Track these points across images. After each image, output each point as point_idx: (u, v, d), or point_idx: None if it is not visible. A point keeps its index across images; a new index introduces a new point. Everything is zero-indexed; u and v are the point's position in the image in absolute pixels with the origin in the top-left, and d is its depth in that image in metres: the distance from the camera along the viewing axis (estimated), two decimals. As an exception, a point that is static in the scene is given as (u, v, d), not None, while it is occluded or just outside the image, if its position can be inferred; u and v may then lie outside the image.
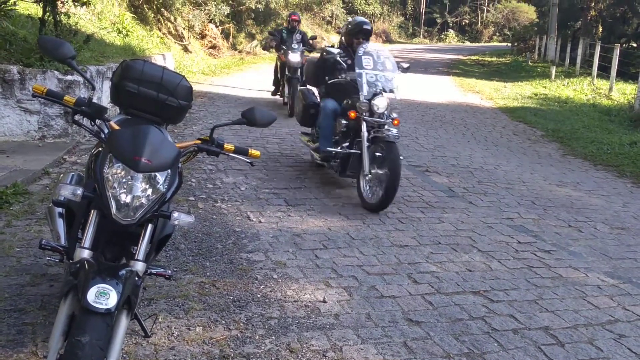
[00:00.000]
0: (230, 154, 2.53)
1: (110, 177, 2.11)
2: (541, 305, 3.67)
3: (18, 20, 7.60)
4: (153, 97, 2.86)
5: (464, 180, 6.55)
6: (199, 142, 2.50)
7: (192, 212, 4.77)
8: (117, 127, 2.31)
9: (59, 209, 2.73)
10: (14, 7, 7.00)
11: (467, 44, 47.01)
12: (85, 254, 2.12)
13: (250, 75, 15.28)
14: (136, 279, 2.11)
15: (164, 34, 15.46)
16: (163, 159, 2.15)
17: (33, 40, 6.93)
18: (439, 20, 49.76)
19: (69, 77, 6.46)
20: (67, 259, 2.34)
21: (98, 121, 2.34)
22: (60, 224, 2.71)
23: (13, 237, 3.97)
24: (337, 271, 3.89)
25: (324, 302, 3.45)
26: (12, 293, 3.18)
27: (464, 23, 51.33)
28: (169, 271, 2.45)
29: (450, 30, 49.65)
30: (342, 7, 34.08)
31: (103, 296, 1.92)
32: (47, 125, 6.40)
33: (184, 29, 16.69)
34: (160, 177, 2.17)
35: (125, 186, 2.11)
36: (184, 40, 16.40)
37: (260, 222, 4.70)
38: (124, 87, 2.88)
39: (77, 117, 2.33)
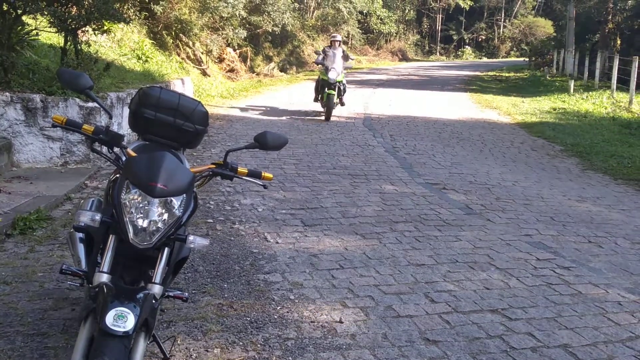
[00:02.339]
0: (244, 177, 2.59)
1: (127, 203, 2.18)
2: (560, 323, 3.64)
3: (41, 49, 7.83)
4: (170, 123, 2.94)
5: (481, 197, 6.53)
6: (214, 166, 2.57)
7: (210, 234, 4.84)
8: (133, 154, 2.39)
9: (80, 234, 2.80)
10: (36, 37, 7.23)
11: (484, 59, 46.96)
12: (104, 278, 2.18)
13: (268, 97, 15.45)
14: (153, 301, 2.16)
15: (182, 58, 15.74)
16: (178, 184, 2.21)
17: (55, 69, 7.13)
18: (455, 37, 49.84)
19: (90, 105, 6.62)
20: (87, 283, 2.40)
21: (115, 148, 2.41)
22: (81, 249, 2.78)
23: (36, 262, 4.06)
24: (353, 291, 3.91)
25: (341, 322, 3.46)
26: (35, 317, 3.25)
27: (480, 39, 51.34)
28: (186, 294, 2.49)
29: (466, 46, 49.68)
30: (358, 28, 34.35)
31: (121, 319, 1.97)
32: (69, 152, 6.56)
33: (202, 53, 16.97)
34: (176, 202, 2.23)
35: (142, 211, 2.17)
36: (202, 65, 16.67)
37: (277, 243, 4.74)
38: (141, 114, 2.97)
39: (95, 145, 2.42)
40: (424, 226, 5.39)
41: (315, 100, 12.49)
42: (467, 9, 46.01)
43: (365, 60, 35.72)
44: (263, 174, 2.61)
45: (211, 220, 5.17)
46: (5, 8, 6.38)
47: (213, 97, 14.54)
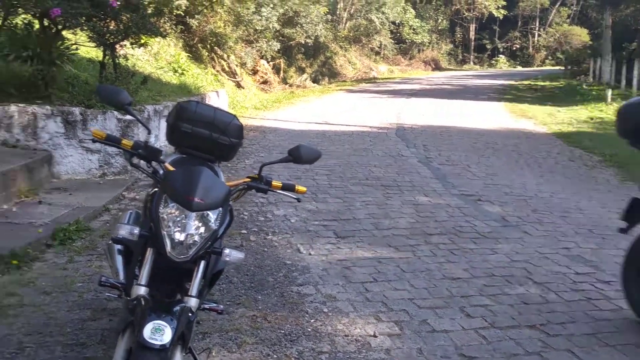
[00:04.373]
0: (278, 191, 2.60)
1: (165, 217, 2.21)
2: (600, 339, 3.53)
3: (80, 63, 8.05)
4: (206, 136, 2.98)
5: (517, 209, 6.42)
6: (249, 180, 2.59)
7: (244, 244, 4.87)
8: (171, 168, 2.43)
9: (118, 246, 2.85)
10: (76, 52, 7.43)
11: (519, 68, 46.33)
12: (142, 290, 2.21)
13: (300, 109, 15.55)
14: (190, 314, 2.18)
15: (217, 71, 15.98)
16: (214, 198, 2.23)
17: (94, 83, 7.31)
18: (488, 46, 49.35)
19: (127, 117, 6.76)
20: (125, 295, 2.44)
21: (154, 163, 2.46)
22: (119, 261, 2.83)
23: (75, 272, 4.14)
24: (387, 305, 3.87)
25: (375, 336, 3.43)
26: (74, 327, 3.31)
27: (514, 48, 50.70)
28: (222, 306, 2.51)
29: (500, 55, 49.11)
30: (390, 38, 34.33)
31: (158, 332, 1.99)
32: (107, 164, 6.70)
33: (236, 65, 17.20)
34: (212, 215, 2.25)
35: (179, 225, 2.20)
36: (236, 77, 16.89)
37: (310, 254, 4.74)
38: (178, 127, 3.02)
39: (134, 160, 2.47)
40: (459, 239, 5.32)
41: None
42: (501, 17, 45.53)
43: (398, 70, 35.66)
44: (297, 187, 2.62)
45: (245, 231, 5.21)
46: (46, 23, 6.58)
47: (247, 108, 14.71)
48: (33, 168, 5.87)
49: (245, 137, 9.95)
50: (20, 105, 6.26)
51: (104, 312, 3.52)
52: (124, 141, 2.45)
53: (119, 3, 6.76)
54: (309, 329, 3.47)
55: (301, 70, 22.88)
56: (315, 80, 23.43)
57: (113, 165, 6.72)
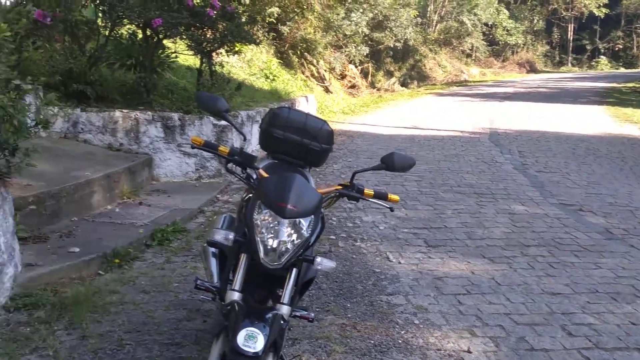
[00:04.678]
0: (370, 199, 2.55)
1: (259, 223, 2.22)
2: None
3: (179, 71, 8.40)
4: (297, 142, 3.00)
5: (623, 221, 5.98)
6: (340, 187, 2.55)
7: (332, 250, 4.85)
8: (265, 175, 2.44)
9: (213, 249, 2.91)
10: (175, 60, 7.76)
11: (622, 70, 43.46)
12: (236, 296, 2.23)
13: (388, 112, 15.41)
14: (282, 322, 2.17)
15: (307, 76, 16.19)
16: (307, 205, 2.22)
17: (192, 89, 7.61)
18: (588, 47, 46.70)
19: (223, 123, 6.96)
20: (219, 299, 2.48)
21: (248, 169, 2.49)
22: (214, 264, 2.88)
23: (172, 272, 4.30)
24: (482, 319, 3.71)
25: (469, 352, 3.30)
26: (170, 327, 3.42)
27: (617, 48, 47.64)
28: (312, 314, 2.49)
29: (601, 56, 46.30)
30: (482, 40, 33.33)
31: (251, 339, 2.00)
32: (202, 167, 6.93)
33: (325, 71, 17.33)
34: (304, 223, 2.24)
35: (272, 231, 2.20)
36: (325, 82, 17.02)
37: (399, 263, 4.65)
38: (271, 133, 3.06)
39: (229, 166, 2.51)
40: (559, 251, 5.03)
41: None
42: (602, 17, 42.96)
43: (490, 72, 34.56)
44: (389, 196, 2.56)
45: (333, 237, 5.19)
46: (148, 33, 6.93)
47: (335, 113, 14.78)
48: (135, 171, 6.18)
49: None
50: (124, 111, 6.61)
51: (199, 313, 3.61)
52: (221, 148, 2.49)
53: (215, 12, 6.98)
54: (400, 341, 3.39)
55: (389, 74, 22.70)
56: (403, 84, 23.17)
57: (208, 168, 6.94)
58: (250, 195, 2.45)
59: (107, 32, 6.82)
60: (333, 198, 2.56)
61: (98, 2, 6.53)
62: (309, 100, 13.31)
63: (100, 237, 4.64)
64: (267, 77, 12.80)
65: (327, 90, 16.95)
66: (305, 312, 2.49)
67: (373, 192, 2.54)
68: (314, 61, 16.83)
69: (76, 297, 3.57)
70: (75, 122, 6.48)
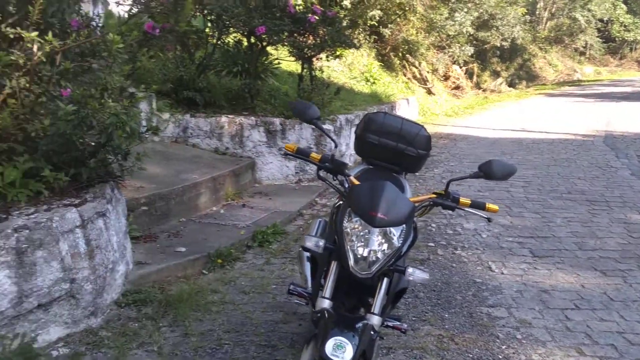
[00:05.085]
0: (466, 209, 2.44)
1: (349, 231, 2.20)
2: None
3: (281, 76, 8.60)
4: (393, 148, 2.96)
5: None
6: (434, 196, 2.47)
7: (431, 258, 4.73)
8: (356, 182, 2.42)
9: (307, 254, 2.94)
10: (279, 66, 7.96)
11: None
12: (326, 304, 2.23)
13: (494, 114, 14.85)
14: (372, 332, 2.14)
15: (408, 78, 15.99)
16: (398, 214, 2.17)
17: (293, 95, 7.76)
18: None
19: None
20: (310, 305, 2.49)
21: (339, 176, 2.48)
22: (308, 269, 2.91)
23: (271, 274, 4.39)
24: (591, 337, 3.46)
25: (576, 372, 3.08)
26: (267, 329, 3.49)
27: None
28: (405, 325, 2.44)
29: None
30: (597, 37, 31.22)
31: (340, 349, 1.98)
32: (302, 170, 7.05)
33: (427, 72, 17.04)
34: (396, 232, 2.19)
35: (362, 240, 2.18)
36: (427, 84, 16.72)
37: (502, 273, 4.44)
38: (366, 138, 3.04)
39: (321, 173, 2.51)
40: (682, 266, 4.59)
41: None
42: None
43: (606, 71, 32.34)
44: (487, 206, 2.42)
45: (432, 244, 5.07)
46: (252, 41, 7.15)
47: (437, 115, 14.48)
48: (239, 174, 6.40)
49: (434, 145, 9.71)
50: (229, 116, 6.88)
51: (295, 316, 3.66)
52: (313, 154, 2.51)
53: (316, 18, 7.08)
54: (500, 356, 3.24)
55: (496, 74, 21.89)
56: (511, 84, 22.25)
57: (307, 172, 7.04)
58: (342, 202, 2.44)
59: (214, 41, 7.12)
60: (427, 207, 2.48)
61: (206, 12, 6.83)
62: (410, 102, 13.13)
63: (205, 238, 4.85)
64: (368, 81, 12.79)
65: (429, 92, 16.65)
66: (398, 323, 2.44)
67: (470, 202, 2.42)
68: (416, 63, 16.60)
69: (180, 295, 3.74)
70: (185, 127, 6.83)
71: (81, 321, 3.34)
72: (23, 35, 3.59)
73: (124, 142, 3.76)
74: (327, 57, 7.81)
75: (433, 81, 17.28)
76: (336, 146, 2.71)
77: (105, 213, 3.61)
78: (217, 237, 4.85)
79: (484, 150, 9.52)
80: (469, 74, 20.09)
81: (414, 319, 3.66)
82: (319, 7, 7.53)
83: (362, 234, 2.19)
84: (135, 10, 5.07)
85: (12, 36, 3.67)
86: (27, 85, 3.69)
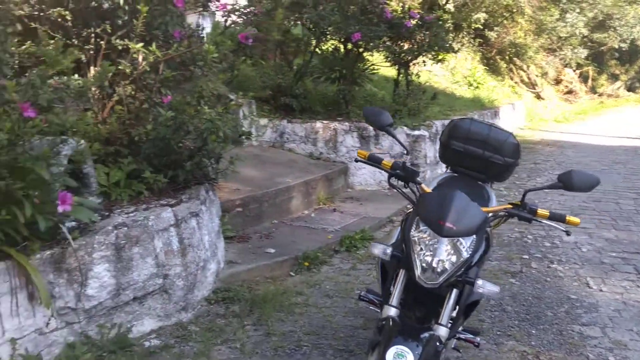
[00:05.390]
0: (544, 221, 2.32)
1: (416, 239, 2.19)
2: None
3: (379, 82, 8.62)
4: (478, 155, 2.90)
5: None
6: (510, 206, 2.38)
7: (524, 271, 4.54)
8: (428, 190, 2.40)
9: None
10: (377, 71, 7.99)
11: None
12: (392, 312, 2.22)
13: (609, 120, 13.94)
14: (437, 343, 2.10)
15: (515, 82, 15.41)
16: (468, 224, 2.12)
17: (389, 100, 7.74)
18: None
19: (416, 133, 6.97)
20: (381, 311, 2.49)
21: (410, 184, 2.46)
22: (381, 276, 2.91)
23: (355, 279, 4.42)
24: (698, 365, 3.16)
25: (675, 402, 2.83)
26: (346, 334, 3.52)
27: None
28: (479, 338, 2.37)
29: None
30: None
31: (400, 358, 1.97)
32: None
33: (536, 76, 16.31)
34: (465, 242, 2.14)
35: (430, 249, 2.15)
36: (536, 88, 16.01)
37: (601, 290, 4.17)
38: (450, 145, 3.00)
39: (392, 180, 2.51)
40: None
41: None
42: None
43: None
44: (568, 218, 2.29)
45: (527, 257, 4.85)
46: (349, 47, 7.23)
47: (546, 121, 13.82)
48: (331, 178, 6.49)
49: (539, 153, 9.31)
50: (324, 121, 7.00)
51: (375, 323, 3.65)
52: (384, 162, 2.51)
53: (413, 23, 7.03)
54: (588, 378, 3.05)
55: (614, 78, 20.47)
56: (630, 89, 20.70)
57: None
58: (412, 210, 2.42)
59: (311, 48, 7.28)
60: (502, 218, 2.40)
61: (304, 20, 7.00)
62: (516, 107, 12.65)
63: (295, 240, 4.97)
64: (471, 85, 12.47)
65: (538, 96, 15.93)
66: (471, 336, 2.39)
67: (548, 214, 2.31)
68: (524, 66, 15.95)
69: (266, 296, 3.87)
70: (282, 133, 7.04)
71: (172, 315, 3.55)
72: (130, 46, 3.90)
73: (217, 147, 3.96)
74: (423, 61, 7.70)
75: (542, 85, 16.51)
76: (408, 154, 2.70)
77: (198, 213, 3.82)
78: (306, 240, 4.95)
79: (593, 159, 8.95)
80: (584, 78, 18.96)
81: (498, 333, 3.53)
82: (416, 11, 7.47)
83: (430, 243, 2.16)
84: (230, 21, 5.32)
85: (120, 47, 4.00)
86: (133, 92, 4.01)
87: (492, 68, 14.52)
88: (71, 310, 3.02)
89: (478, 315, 3.72)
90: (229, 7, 5.03)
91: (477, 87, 12.54)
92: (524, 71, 16.07)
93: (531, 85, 16.04)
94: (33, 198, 2.78)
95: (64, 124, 2.87)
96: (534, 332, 3.56)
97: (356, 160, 2.61)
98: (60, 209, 2.76)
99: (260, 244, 4.81)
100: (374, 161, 2.56)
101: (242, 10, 5.42)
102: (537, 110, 14.63)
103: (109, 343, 3.15)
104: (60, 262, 2.95)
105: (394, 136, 2.68)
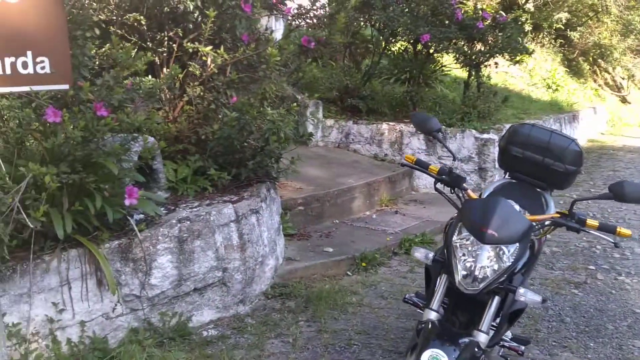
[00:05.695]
0: (593, 232, 2.26)
1: (458, 245, 2.20)
2: None
3: (450, 83, 8.51)
4: (538, 162, 2.86)
5: None
6: (557, 215, 2.34)
7: (588, 282, 4.38)
8: (473, 196, 2.39)
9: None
10: (449, 72, 7.90)
11: None
12: (432, 315, 2.25)
13: None
14: (476, 349, 2.11)
15: (599, 85, 14.71)
16: (510, 232, 2.11)
17: (459, 102, 7.63)
18: None
19: (485, 136, 6.84)
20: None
21: (456, 189, 2.47)
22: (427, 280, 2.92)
23: (412, 282, 4.42)
24: None
25: None
26: (397, 335, 3.55)
27: None
28: (523, 347, 2.35)
29: None
30: None
31: (435, 361, 1.99)
32: (460, 180, 6.91)
33: (622, 79, 15.50)
34: (508, 250, 2.13)
35: (472, 255, 2.16)
36: (622, 91, 15.22)
37: (671, 307, 3.96)
38: (509, 151, 2.97)
39: (438, 185, 2.52)
40: None
41: None
42: None
43: None
44: (618, 230, 2.23)
45: (593, 267, 4.67)
46: (419, 48, 7.20)
47: (631, 126, 13.14)
48: (395, 180, 6.49)
49: (620, 159, 8.89)
50: (390, 123, 7.01)
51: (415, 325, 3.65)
52: (431, 167, 2.53)
53: (486, 24, 6.91)
54: (645, 397, 2.93)
55: None
56: None
57: (467, 182, 6.88)
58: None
59: (380, 49, 7.31)
60: (548, 227, 2.36)
61: (374, 21, 7.04)
62: (597, 111, 12.10)
63: (354, 240, 5.03)
64: (549, 87, 12.03)
65: (623, 100, 15.14)
66: (516, 344, 2.37)
67: (597, 224, 2.25)
68: (609, 68, 15.19)
69: (321, 293, 3.96)
70: (347, 133, 7.12)
71: (230, 307, 3.71)
72: (199, 49, 4.10)
73: (277, 147, 4.09)
74: (495, 63, 7.53)
75: (629, 88, 15.67)
76: (455, 159, 2.70)
77: (258, 210, 3.96)
78: (365, 241, 5.00)
79: (679, 167, 8.45)
80: (677, 81, 17.81)
81: (553, 343, 3.44)
82: (491, 12, 7.33)
83: (472, 249, 2.17)
84: (295, 24, 5.46)
85: (191, 50, 4.21)
86: (202, 93, 4.21)
87: (573, 70, 13.93)
88: (135, 297, 3.23)
89: (535, 325, 3.65)
90: (294, 12, 5.16)
91: (556, 90, 12.07)
92: (609, 73, 15.32)
93: (616, 88, 15.27)
94: (104, 191, 3.00)
95: (134, 123, 3.08)
96: (592, 345, 3.45)
97: (402, 165, 2.64)
98: (126, 202, 2.97)
99: (320, 242, 4.90)
100: (421, 166, 2.58)
101: (306, 14, 5.54)
102: (621, 115, 13.91)
103: (170, 330, 3.34)
104: (127, 251, 3.17)
105: (440, 141, 2.69)
